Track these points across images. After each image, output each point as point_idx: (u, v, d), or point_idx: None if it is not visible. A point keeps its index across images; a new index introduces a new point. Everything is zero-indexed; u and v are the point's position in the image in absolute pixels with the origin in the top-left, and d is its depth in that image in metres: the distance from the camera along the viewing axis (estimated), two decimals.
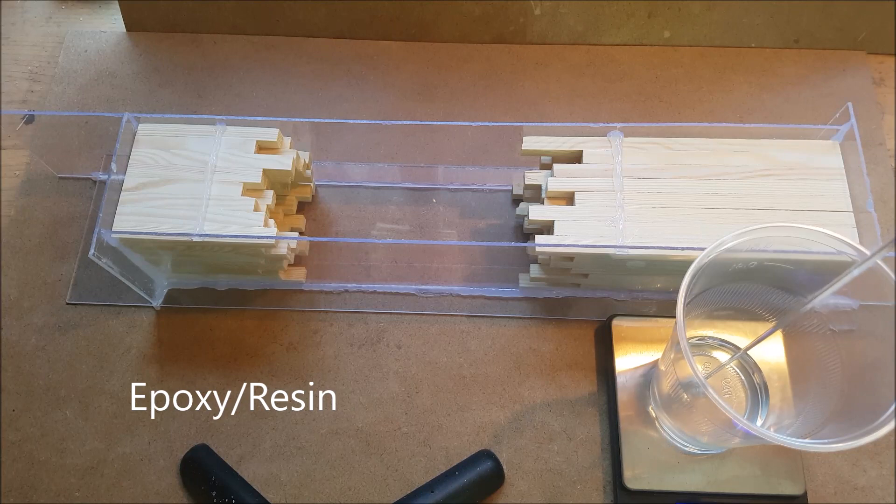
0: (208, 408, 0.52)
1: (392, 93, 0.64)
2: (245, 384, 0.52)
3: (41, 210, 0.58)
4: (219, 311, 0.55)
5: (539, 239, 0.48)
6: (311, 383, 0.52)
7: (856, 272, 0.33)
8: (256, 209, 0.48)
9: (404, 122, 0.60)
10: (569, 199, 0.50)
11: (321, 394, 0.52)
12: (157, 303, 0.54)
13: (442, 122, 0.62)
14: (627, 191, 0.49)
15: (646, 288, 0.54)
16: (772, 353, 0.47)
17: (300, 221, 0.56)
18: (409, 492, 0.48)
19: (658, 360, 0.49)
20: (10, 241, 0.57)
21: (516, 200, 0.58)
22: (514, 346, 0.53)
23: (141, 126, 0.51)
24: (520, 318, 0.54)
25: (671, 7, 0.62)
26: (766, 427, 0.44)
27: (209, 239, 0.47)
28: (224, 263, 0.52)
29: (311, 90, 0.64)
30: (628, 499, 0.47)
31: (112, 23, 0.68)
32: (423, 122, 0.62)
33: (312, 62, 0.65)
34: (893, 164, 0.60)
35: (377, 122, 0.60)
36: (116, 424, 0.51)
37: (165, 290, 0.55)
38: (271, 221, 0.49)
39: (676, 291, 0.36)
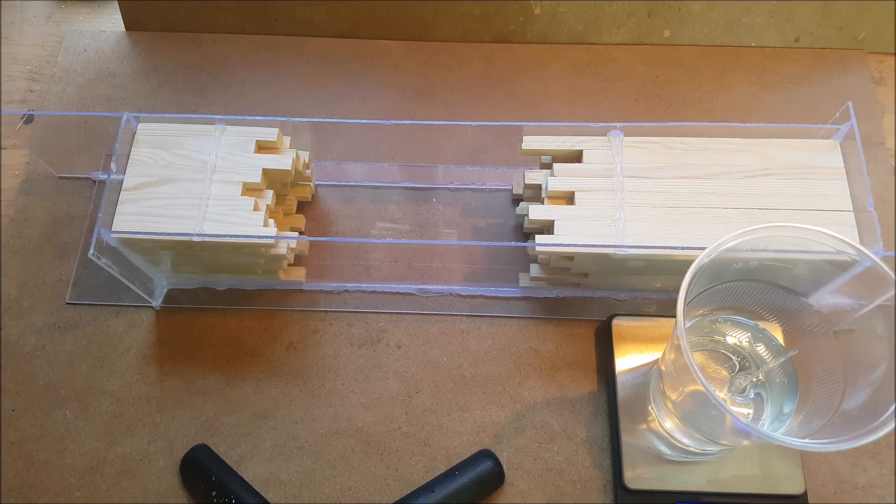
0: (208, 408, 0.52)
1: (392, 92, 0.64)
2: (245, 384, 0.52)
3: (41, 210, 0.58)
4: (219, 311, 0.55)
5: (539, 238, 0.48)
6: (311, 383, 0.52)
7: None
8: (256, 209, 0.48)
9: (404, 122, 0.60)
10: (569, 198, 0.50)
11: (321, 394, 0.52)
12: (156, 303, 0.54)
13: (442, 122, 0.62)
14: (627, 190, 0.49)
15: (646, 288, 0.54)
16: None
17: (300, 221, 0.56)
18: (409, 492, 0.48)
19: (658, 359, 0.49)
20: (10, 241, 0.57)
21: (516, 200, 0.58)
22: (514, 345, 0.53)
23: (140, 126, 0.51)
24: (520, 317, 0.54)
25: (671, 6, 0.62)
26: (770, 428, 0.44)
27: (209, 239, 0.47)
28: (224, 263, 0.52)
29: (311, 90, 0.64)
30: (628, 499, 0.47)
31: (111, 22, 0.68)
32: (422, 122, 0.62)
33: (312, 62, 0.65)
34: (893, 164, 0.60)
35: (377, 121, 0.60)
36: (116, 424, 0.51)
37: (165, 290, 0.55)
38: (271, 221, 0.49)
39: (676, 291, 0.36)
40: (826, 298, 0.41)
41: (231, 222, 0.48)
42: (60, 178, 0.60)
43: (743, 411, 0.44)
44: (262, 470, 0.50)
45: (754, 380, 0.45)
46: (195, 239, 0.47)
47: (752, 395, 0.44)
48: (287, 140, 0.53)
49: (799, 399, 0.43)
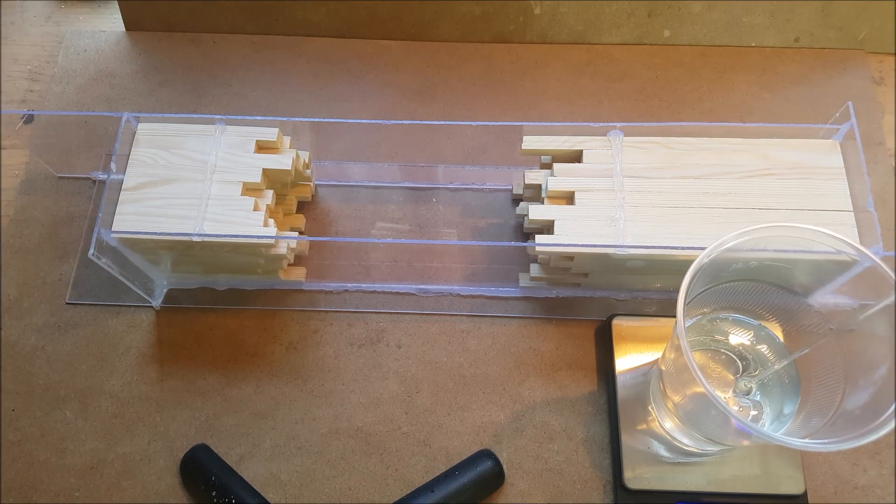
0: (208, 408, 0.52)
1: (392, 92, 0.64)
2: (245, 384, 0.52)
3: (41, 210, 0.58)
4: (219, 311, 0.55)
5: (539, 238, 0.48)
6: (311, 383, 0.52)
7: None
8: (256, 209, 0.48)
9: (404, 122, 0.60)
10: (569, 198, 0.50)
11: (321, 394, 0.52)
12: (156, 303, 0.54)
13: (442, 122, 0.62)
14: (627, 190, 0.49)
15: (646, 287, 0.54)
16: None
17: (300, 221, 0.56)
18: (409, 492, 0.48)
19: (658, 359, 0.49)
20: (10, 241, 0.57)
21: (516, 200, 0.58)
22: (514, 345, 0.53)
23: (140, 126, 0.51)
24: (520, 317, 0.54)
25: (671, 6, 0.62)
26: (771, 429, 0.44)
27: (209, 239, 0.47)
28: (224, 263, 0.52)
29: (311, 90, 0.64)
30: (628, 499, 0.47)
31: (111, 22, 0.68)
32: (422, 122, 0.62)
33: (312, 62, 0.65)
34: (893, 164, 0.60)
35: (377, 121, 0.60)
36: (116, 424, 0.51)
37: (165, 290, 0.55)
38: (271, 221, 0.49)
39: (676, 291, 0.36)
40: (826, 298, 0.41)
41: (231, 222, 0.48)
42: (60, 178, 0.60)
43: (750, 413, 0.44)
44: (262, 470, 0.50)
45: (758, 381, 0.45)
46: (195, 239, 0.47)
47: (758, 397, 0.44)
48: (287, 140, 0.53)
49: (800, 399, 0.43)
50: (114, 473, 0.50)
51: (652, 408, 0.49)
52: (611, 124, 0.50)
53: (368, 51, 0.66)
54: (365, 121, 0.61)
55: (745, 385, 0.44)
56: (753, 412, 0.44)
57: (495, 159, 0.60)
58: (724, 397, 0.45)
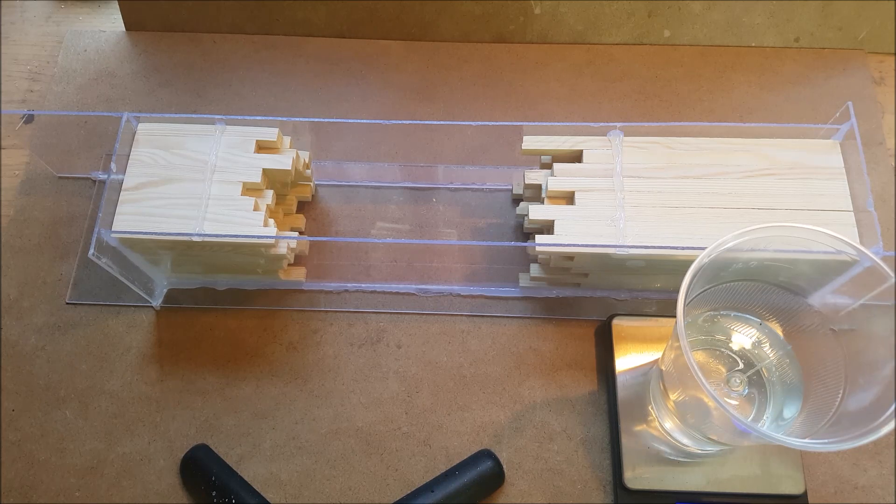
0: (208, 408, 0.52)
1: (392, 92, 0.64)
2: (245, 384, 0.52)
3: (41, 210, 0.58)
4: (219, 311, 0.55)
5: (539, 238, 0.48)
6: (311, 383, 0.52)
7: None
8: (256, 209, 0.48)
9: (404, 122, 0.60)
10: (569, 198, 0.50)
11: (321, 394, 0.52)
12: (156, 303, 0.54)
13: (442, 122, 0.62)
14: (627, 190, 0.49)
15: (646, 287, 0.54)
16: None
17: (300, 221, 0.56)
18: (409, 492, 0.48)
19: (658, 359, 0.49)
20: (10, 241, 0.57)
21: (516, 200, 0.58)
22: (515, 345, 0.53)
23: (140, 126, 0.51)
24: (520, 317, 0.54)
25: (671, 6, 0.62)
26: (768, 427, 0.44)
27: (209, 239, 0.47)
28: (224, 263, 0.52)
29: (311, 90, 0.64)
30: (628, 499, 0.47)
31: (111, 22, 0.68)
32: (422, 122, 0.62)
33: (312, 62, 0.65)
34: (894, 164, 0.60)
35: (377, 121, 0.60)
36: (116, 424, 0.51)
37: (165, 290, 0.55)
38: (271, 221, 0.49)
39: (677, 291, 0.36)
40: (826, 298, 0.41)
41: (231, 222, 0.48)
42: (60, 178, 0.60)
43: (733, 402, 0.44)
44: (262, 470, 0.50)
45: (747, 377, 0.45)
46: (195, 239, 0.47)
47: (745, 392, 0.44)
48: (287, 140, 0.53)
49: (801, 399, 0.43)
50: (114, 473, 0.50)
51: (652, 408, 0.49)
52: (611, 124, 0.50)
53: (368, 51, 0.66)
54: (365, 121, 0.61)
55: (735, 381, 0.44)
56: (752, 407, 0.44)
57: (495, 159, 0.60)
58: (725, 398, 0.45)
